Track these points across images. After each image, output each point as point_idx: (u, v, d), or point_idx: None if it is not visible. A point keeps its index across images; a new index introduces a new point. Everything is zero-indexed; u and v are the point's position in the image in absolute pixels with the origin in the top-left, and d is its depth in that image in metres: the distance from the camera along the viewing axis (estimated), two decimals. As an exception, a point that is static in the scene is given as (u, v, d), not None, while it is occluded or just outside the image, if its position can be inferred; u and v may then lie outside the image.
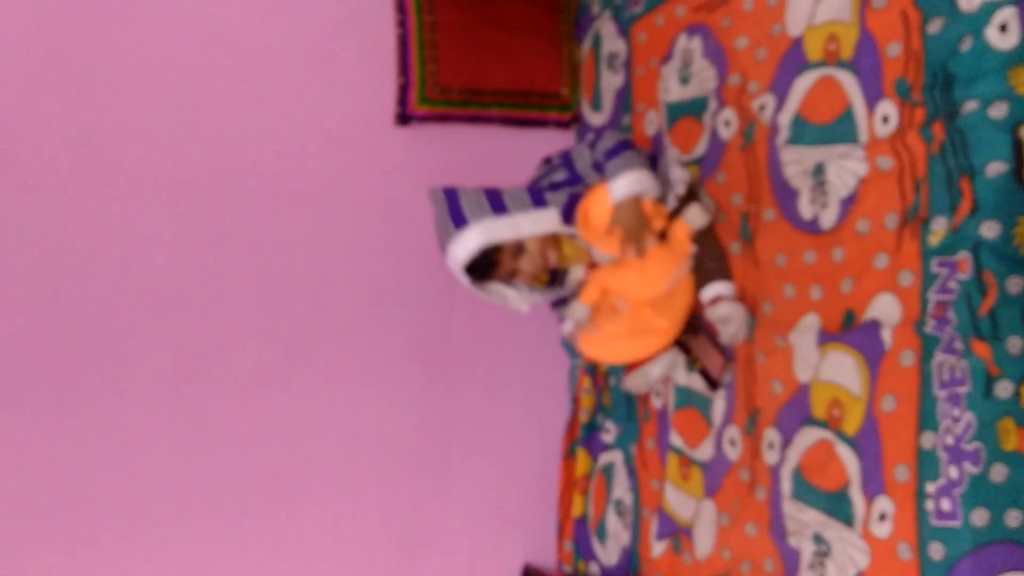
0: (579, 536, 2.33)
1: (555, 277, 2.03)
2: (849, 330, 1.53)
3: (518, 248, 1.83)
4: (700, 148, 1.97)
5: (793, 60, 1.72)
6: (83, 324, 2.14)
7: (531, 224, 1.80)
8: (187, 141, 2.23)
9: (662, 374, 1.98)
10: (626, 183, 1.78)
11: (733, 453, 1.80)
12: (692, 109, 2.01)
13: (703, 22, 1.99)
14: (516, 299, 1.92)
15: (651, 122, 2.17)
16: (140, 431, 2.18)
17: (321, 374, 2.34)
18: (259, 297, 2.29)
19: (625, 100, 2.29)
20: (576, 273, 1.97)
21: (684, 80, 2.05)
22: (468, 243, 1.77)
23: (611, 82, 2.35)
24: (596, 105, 2.43)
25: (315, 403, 2.34)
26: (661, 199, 1.85)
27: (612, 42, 2.34)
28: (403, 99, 2.36)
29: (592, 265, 1.94)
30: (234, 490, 2.26)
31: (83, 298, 2.14)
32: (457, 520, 2.46)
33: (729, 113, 1.88)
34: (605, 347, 1.94)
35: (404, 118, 2.37)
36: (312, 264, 2.34)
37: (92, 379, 2.15)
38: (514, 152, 2.47)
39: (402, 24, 2.35)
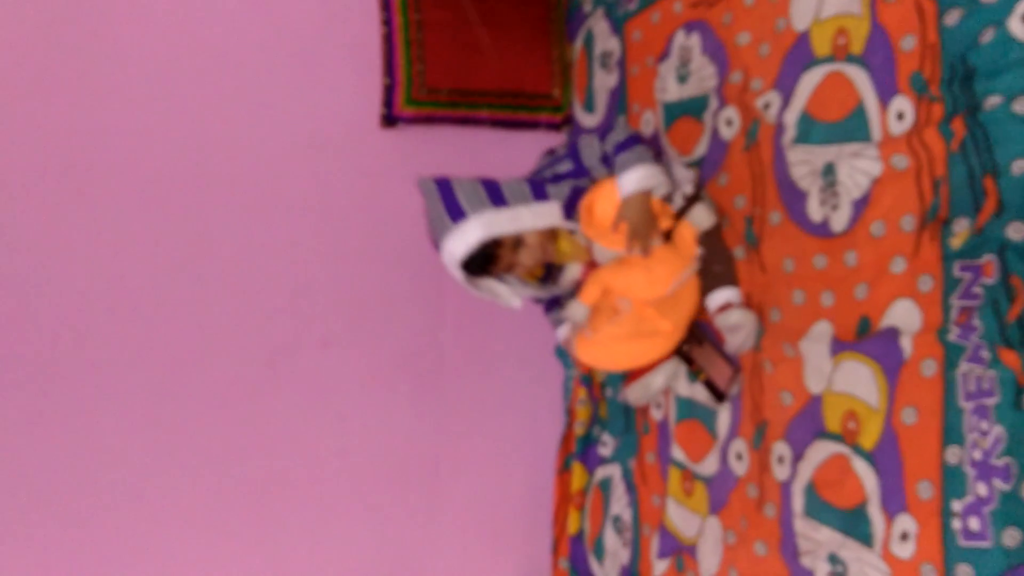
0: (575, 554, 2.24)
1: (548, 274, 1.94)
2: (865, 338, 1.45)
3: (517, 241, 1.74)
4: (700, 149, 1.89)
5: (799, 56, 1.65)
6: (56, 332, 2.04)
7: (532, 218, 1.71)
8: (165, 144, 2.13)
9: (663, 384, 1.90)
10: (636, 178, 1.70)
11: (740, 468, 1.72)
12: (691, 109, 1.93)
13: (702, 18, 1.91)
14: (508, 295, 1.83)
15: (648, 123, 2.09)
16: (113, 447, 2.07)
17: (305, 387, 2.25)
18: (239, 306, 2.19)
19: (620, 100, 2.21)
20: (572, 271, 1.88)
21: (682, 79, 1.97)
22: (468, 237, 1.67)
23: (604, 82, 2.27)
24: (589, 106, 2.35)
25: (298, 417, 2.24)
26: (667, 199, 1.77)
27: (605, 40, 2.26)
28: (389, 100, 2.27)
29: (591, 264, 1.86)
30: (213, 509, 2.17)
31: (56, 306, 2.04)
32: (448, 538, 2.37)
33: (731, 112, 1.80)
34: (604, 351, 1.84)
35: (390, 120, 2.28)
36: (295, 272, 2.24)
37: (64, 391, 2.05)
38: (504, 155, 2.37)
39: (387, 22, 2.26)
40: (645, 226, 1.69)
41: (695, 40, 1.93)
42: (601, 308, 1.83)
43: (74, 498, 2.05)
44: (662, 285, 1.74)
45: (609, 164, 1.76)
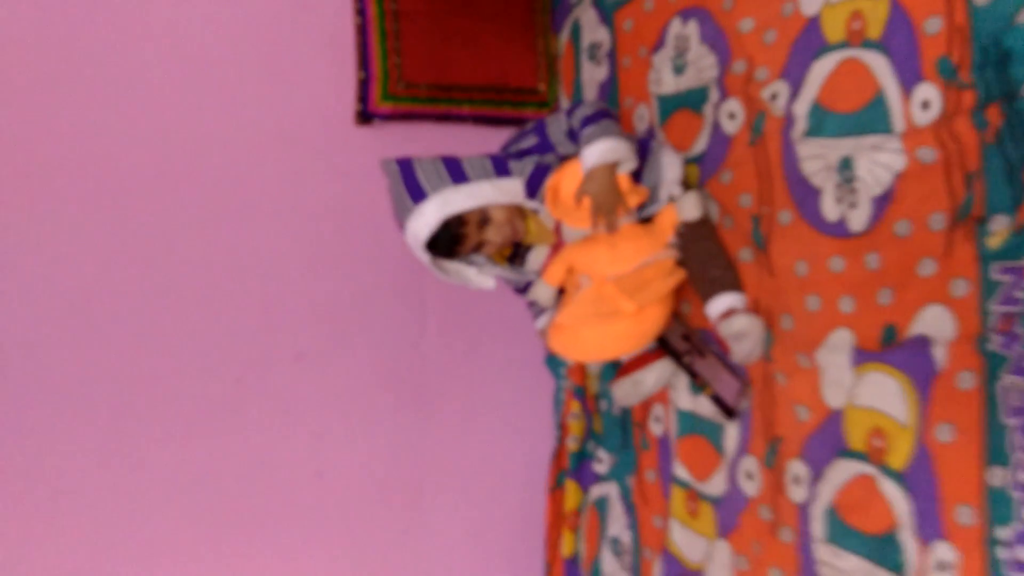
0: (573, 579, 2.11)
1: (515, 254, 1.82)
2: (891, 348, 1.33)
3: (483, 219, 1.66)
4: (700, 144, 1.77)
5: (809, 42, 1.52)
6: (5, 347, 1.86)
7: (494, 192, 1.64)
8: (121, 142, 1.96)
9: (655, 385, 1.77)
10: (600, 150, 1.59)
11: (751, 488, 1.59)
12: (689, 101, 1.81)
13: (700, 4, 1.79)
14: (478, 277, 1.74)
15: (641, 117, 1.96)
16: (66, 477, 1.91)
17: (277, 403, 2.09)
18: (204, 318, 2.03)
19: (610, 94, 2.08)
20: (539, 254, 1.77)
21: (679, 69, 1.84)
22: (428, 217, 1.59)
23: (593, 75, 2.14)
24: (577, 101, 2.22)
25: (271, 436, 2.08)
26: (652, 189, 1.67)
27: (593, 31, 2.13)
28: (364, 95, 2.12)
29: (558, 246, 1.74)
30: (181, 536, 2.00)
31: (3, 318, 1.86)
32: (433, 562, 2.23)
33: (734, 104, 1.68)
34: (570, 336, 1.70)
35: (365, 116, 2.13)
36: (265, 279, 2.09)
37: (14, 411, 1.87)
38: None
39: (361, 12, 2.11)
40: (608, 200, 1.59)
41: (692, 28, 1.80)
42: (568, 289, 1.73)
43: (29, 525, 1.88)
44: (625, 262, 1.63)
45: (575, 139, 1.67)
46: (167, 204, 2.00)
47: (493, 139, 2.25)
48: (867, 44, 1.41)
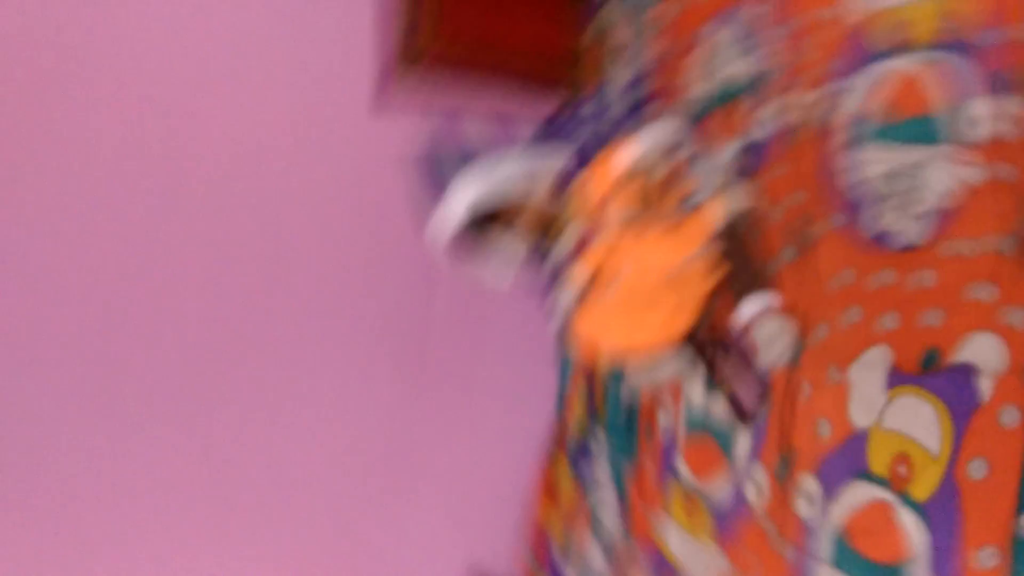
0: (547, 556, 2.04)
1: (544, 234, 1.76)
2: (931, 372, 1.25)
3: (516, 208, 1.63)
4: (737, 146, 1.67)
5: (855, 50, 1.43)
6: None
7: (530, 179, 1.60)
8: (123, 122, 1.87)
9: (673, 372, 1.71)
10: (656, 131, 1.56)
11: (755, 498, 1.52)
12: (724, 103, 1.71)
13: (736, 6, 1.69)
14: (501, 265, 1.69)
15: (671, 120, 1.86)
16: (49, 467, 1.85)
17: (271, 376, 2.02)
18: (200, 282, 1.95)
19: (638, 95, 1.98)
20: (572, 232, 1.70)
21: (713, 72, 1.75)
22: (458, 207, 1.56)
23: (622, 75, 2.05)
24: (602, 100, 2.12)
25: (263, 411, 2.01)
26: (698, 179, 1.61)
27: (622, 30, 2.04)
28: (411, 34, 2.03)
29: (594, 227, 1.67)
30: (169, 519, 1.95)
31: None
32: (425, 536, 2.17)
33: (774, 108, 1.59)
34: (600, 323, 1.63)
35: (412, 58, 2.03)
36: (271, 244, 2.01)
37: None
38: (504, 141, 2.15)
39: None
40: (658, 187, 1.55)
41: (728, 31, 1.71)
42: (603, 274, 1.65)
43: (14, 514, 1.83)
44: (670, 254, 1.57)
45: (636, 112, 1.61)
46: (172, 173, 1.93)
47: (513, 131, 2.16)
48: (921, 52, 1.32)
